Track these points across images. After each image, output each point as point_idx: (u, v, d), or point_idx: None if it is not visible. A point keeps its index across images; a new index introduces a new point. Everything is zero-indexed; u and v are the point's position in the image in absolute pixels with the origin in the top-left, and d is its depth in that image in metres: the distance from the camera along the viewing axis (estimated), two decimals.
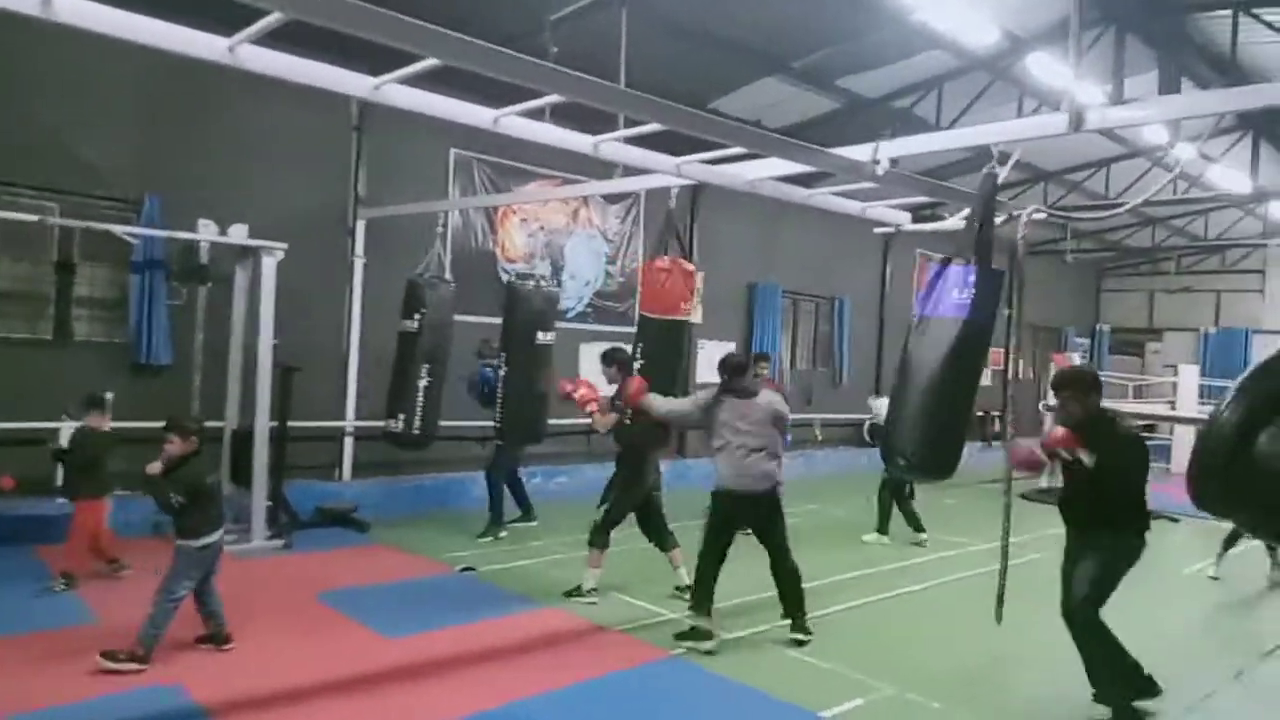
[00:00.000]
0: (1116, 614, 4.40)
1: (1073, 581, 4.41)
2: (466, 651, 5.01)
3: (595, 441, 9.37)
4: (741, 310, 12.84)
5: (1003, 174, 4.63)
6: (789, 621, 5.43)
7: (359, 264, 9.05)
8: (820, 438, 13.86)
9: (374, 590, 6.20)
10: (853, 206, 5.78)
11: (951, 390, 3.86)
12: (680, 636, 5.29)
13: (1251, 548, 7.79)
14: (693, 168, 4.86)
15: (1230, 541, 7.55)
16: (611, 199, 10.83)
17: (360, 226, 9.04)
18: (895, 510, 8.72)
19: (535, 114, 4.20)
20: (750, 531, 5.49)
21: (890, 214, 6.08)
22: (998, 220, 5.26)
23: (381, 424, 7.33)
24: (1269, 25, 8.10)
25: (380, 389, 7.57)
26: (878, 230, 6.40)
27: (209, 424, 5.80)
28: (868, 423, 10.99)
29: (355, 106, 8.86)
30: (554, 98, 3.85)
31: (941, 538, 8.93)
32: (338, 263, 8.95)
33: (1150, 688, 4.41)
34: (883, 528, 8.79)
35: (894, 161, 4.69)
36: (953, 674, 5.07)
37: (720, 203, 11.67)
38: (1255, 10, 8.01)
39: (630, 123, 4.28)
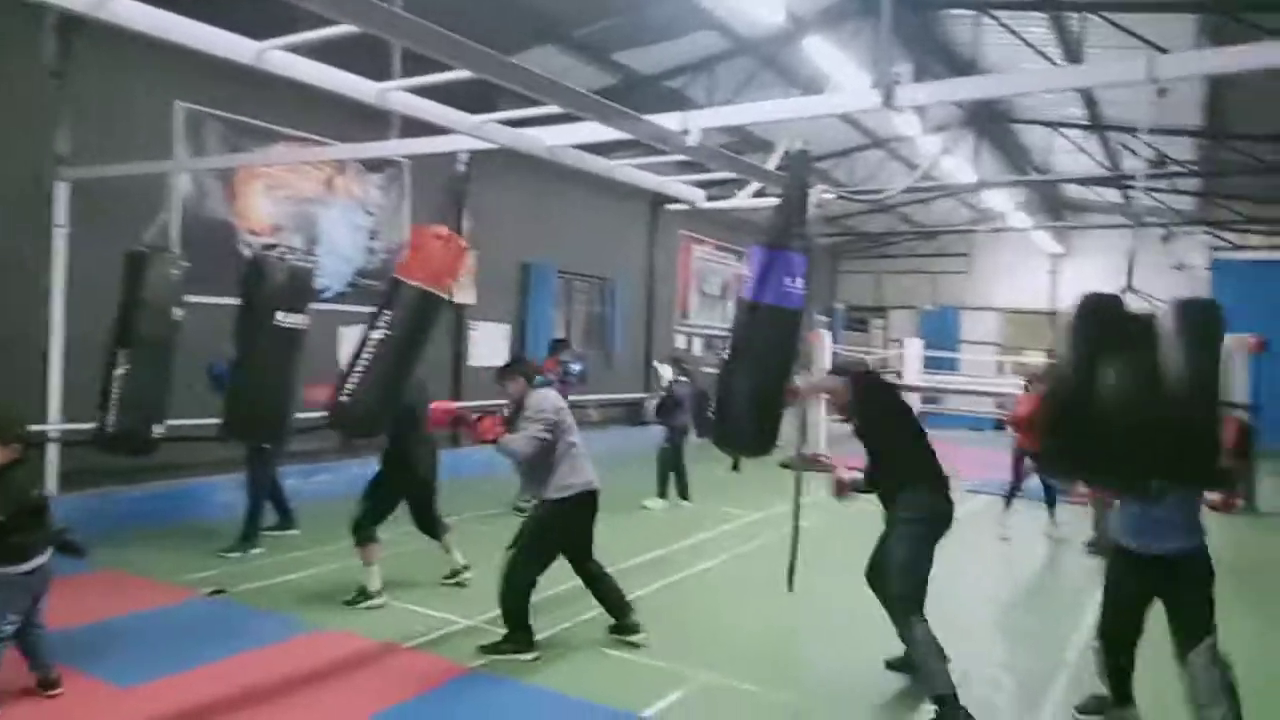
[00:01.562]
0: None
1: (884, 557, 4.40)
2: (225, 696, 4.17)
3: None
4: (515, 290, 12.35)
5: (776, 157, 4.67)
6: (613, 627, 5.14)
7: (61, 234, 7.50)
8: (597, 418, 13.73)
9: (99, 629, 5.07)
10: (652, 180, 5.53)
11: (782, 375, 3.89)
12: (489, 649, 4.82)
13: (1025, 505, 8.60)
14: (494, 129, 4.35)
15: (1009, 500, 8.32)
16: (372, 166, 9.83)
17: (62, 190, 7.48)
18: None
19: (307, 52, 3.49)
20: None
21: (685, 190, 5.92)
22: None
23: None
24: (1006, 27, 8.93)
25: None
26: (670, 207, 6.20)
27: None
28: (656, 398, 10.63)
29: (53, 46, 7.30)
30: (331, 31, 3.20)
31: (721, 509, 9.11)
32: (33, 233, 7.36)
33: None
34: (662, 493, 9.36)
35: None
36: (759, 652, 5.06)
37: (492, 176, 11.07)
38: (994, 11, 8.79)
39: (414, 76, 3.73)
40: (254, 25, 3.42)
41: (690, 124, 4.40)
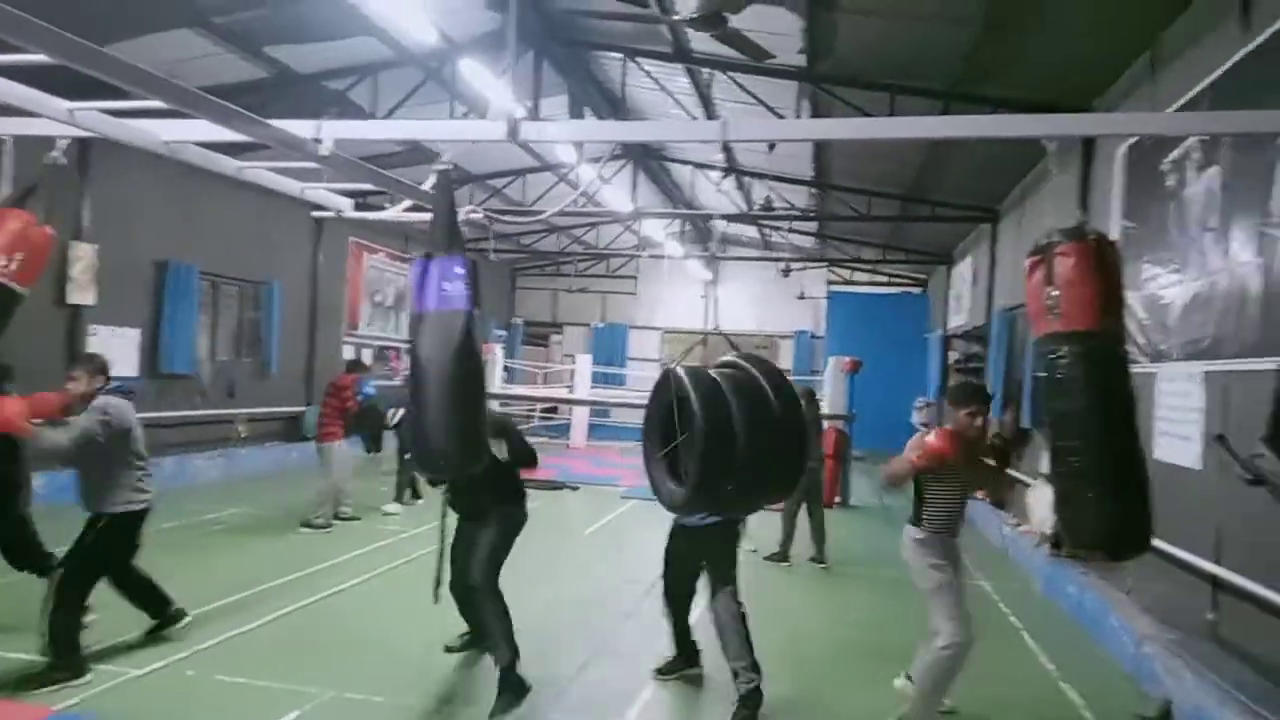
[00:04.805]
0: (535, 570, 4.91)
1: (471, 558, 4.74)
2: None
3: None
4: (149, 291, 11.12)
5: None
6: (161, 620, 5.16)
7: None
8: (244, 434, 12.77)
9: None
10: (291, 186, 5.36)
11: (469, 381, 3.73)
12: (33, 682, 4.39)
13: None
14: (91, 117, 3.98)
15: None
16: None
17: None
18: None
19: None
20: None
21: (332, 198, 5.81)
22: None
23: None
24: (648, 74, 9.84)
25: None
26: (316, 214, 6.04)
27: None
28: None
29: None
30: None
31: (378, 526, 8.97)
32: None
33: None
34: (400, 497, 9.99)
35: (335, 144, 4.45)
36: (394, 665, 5.08)
37: (124, 165, 9.95)
38: (638, 58, 9.65)
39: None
40: None
41: (324, 133, 4.36)
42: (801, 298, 21.91)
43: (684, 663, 5.12)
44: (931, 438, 4.12)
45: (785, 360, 22.70)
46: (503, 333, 23.14)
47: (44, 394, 4.78)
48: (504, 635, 4.55)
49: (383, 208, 6.55)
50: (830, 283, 22.08)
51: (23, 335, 9.02)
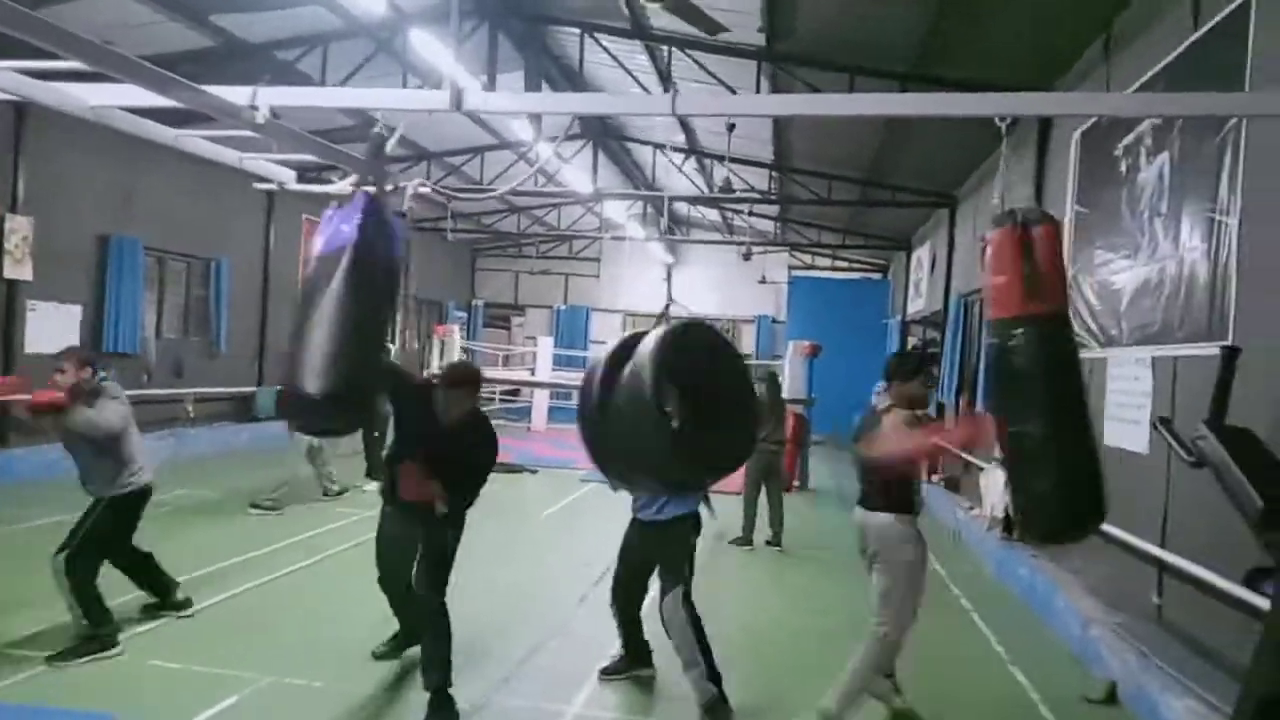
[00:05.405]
0: (488, 554, 4.79)
1: (417, 561, 4.31)
2: None
3: None
4: (91, 267, 10.77)
5: (392, 141, 4.60)
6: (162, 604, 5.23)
7: None
8: (193, 414, 12.47)
9: None
10: (229, 155, 5.16)
11: (354, 315, 3.27)
12: (64, 656, 4.49)
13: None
14: (9, 77, 3.76)
15: None
16: None
17: None
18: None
19: None
20: None
21: (273, 169, 5.61)
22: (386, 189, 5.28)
23: None
24: (606, 50, 9.69)
25: None
26: (258, 186, 5.85)
27: None
28: None
29: None
30: None
31: (331, 509, 8.79)
32: None
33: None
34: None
35: (275, 113, 4.27)
36: (336, 649, 4.95)
37: (63, 134, 9.58)
38: (596, 34, 9.49)
39: None
40: None
41: (260, 100, 4.17)
42: (763, 282, 21.94)
43: (634, 662, 4.79)
44: (957, 429, 3.74)
45: (747, 344, 22.77)
46: (462, 314, 22.88)
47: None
48: (441, 658, 4.14)
49: (331, 181, 6.35)
50: (792, 268, 22.14)
51: None
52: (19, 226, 9.43)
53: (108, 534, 4.77)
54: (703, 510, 4.65)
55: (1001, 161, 3.57)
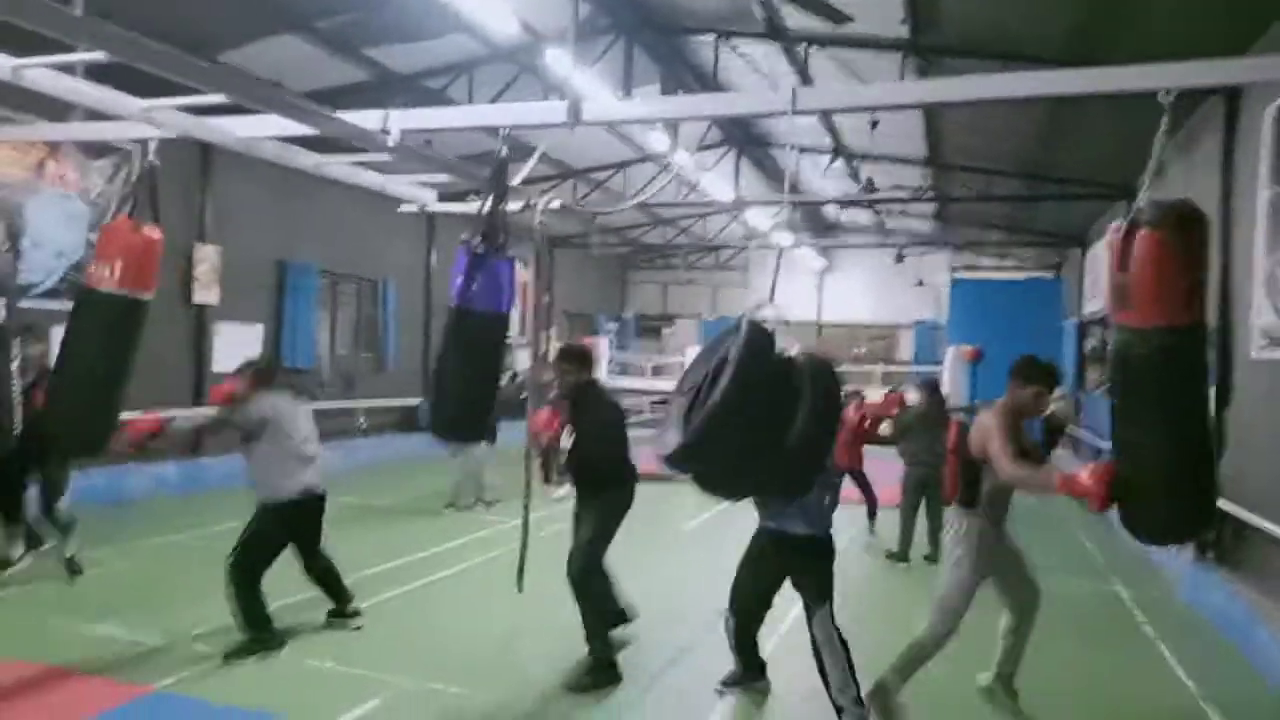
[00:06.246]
0: (624, 565, 4.76)
1: (576, 540, 4.74)
2: None
3: None
4: (270, 290, 11.69)
5: (532, 160, 4.77)
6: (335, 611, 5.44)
7: None
8: (364, 426, 13.26)
9: None
10: (371, 179, 5.42)
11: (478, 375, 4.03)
12: (234, 654, 4.78)
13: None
14: (167, 115, 4.09)
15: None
16: (94, 152, 8.98)
17: None
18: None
19: None
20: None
21: (415, 191, 5.84)
22: (517, 207, 5.39)
23: None
24: (740, 55, 9.55)
25: None
26: (403, 208, 6.11)
27: None
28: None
29: None
30: None
31: (479, 517, 9.07)
32: None
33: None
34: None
35: (407, 135, 4.43)
36: (476, 655, 5.06)
37: (241, 169, 10.45)
38: (732, 41, 9.36)
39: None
40: None
41: (391, 124, 4.35)
42: (920, 285, 20.96)
43: (748, 676, 4.63)
44: (1088, 478, 3.18)
45: (905, 351, 21.84)
46: (613, 325, 23.23)
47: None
48: (597, 631, 4.58)
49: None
50: (953, 269, 21.05)
51: (154, 332, 9.68)
52: (206, 255, 10.36)
53: (264, 538, 4.96)
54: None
55: (1155, 142, 3.15)
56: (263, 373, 5.13)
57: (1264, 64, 3.71)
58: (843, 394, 4.07)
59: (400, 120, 4.37)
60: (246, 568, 4.87)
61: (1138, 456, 3.00)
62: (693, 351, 18.94)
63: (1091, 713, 4.33)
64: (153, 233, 4.25)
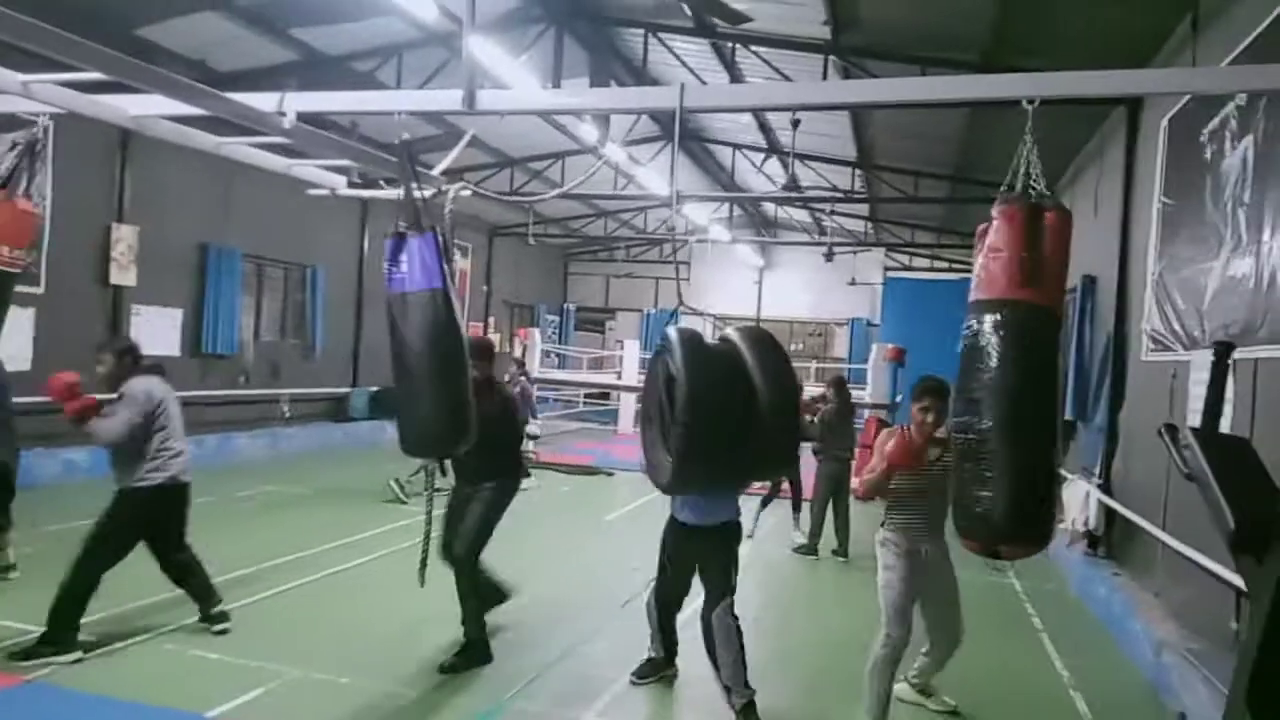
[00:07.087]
0: (543, 551, 4.78)
1: (459, 527, 4.81)
2: None
3: None
4: (192, 273, 11.41)
5: (462, 143, 4.73)
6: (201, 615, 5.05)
7: None
8: (289, 414, 13.05)
9: None
10: (276, 163, 5.34)
11: (451, 360, 3.83)
12: (22, 655, 4.43)
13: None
14: (49, 90, 3.98)
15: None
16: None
17: None
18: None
19: None
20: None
21: (322, 175, 5.77)
22: (428, 193, 5.35)
23: None
24: (670, 50, 9.60)
25: None
26: (312, 192, 6.02)
27: None
28: None
29: None
30: None
31: (394, 508, 8.98)
32: None
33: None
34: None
35: (302, 116, 4.38)
36: (371, 646, 5.03)
37: (164, 149, 10.13)
38: (660, 34, 9.41)
39: None
40: None
41: (287, 105, 4.29)
42: (853, 283, 21.33)
43: (660, 665, 4.76)
44: (891, 446, 3.86)
45: (840, 348, 22.19)
46: (553, 318, 23.18)
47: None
48: (473, 613, 4.73)
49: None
50: (887, 268, 21.44)
51: (68, 315, 9.43)
52: (124, 235, 10.08)
53: (119, 528, 4.64)
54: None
55: (1022, 144, 3.29)
56: (133, 352, 4.75)
57: (1127, 77, 3.87)
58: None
59: (295, 102, 4.32)
60: (98, 558, 4.57)
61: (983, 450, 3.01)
62: (632, 345, 19.12)
63: (960, 699, 4.48)
64: (19, 203, 4.16)
